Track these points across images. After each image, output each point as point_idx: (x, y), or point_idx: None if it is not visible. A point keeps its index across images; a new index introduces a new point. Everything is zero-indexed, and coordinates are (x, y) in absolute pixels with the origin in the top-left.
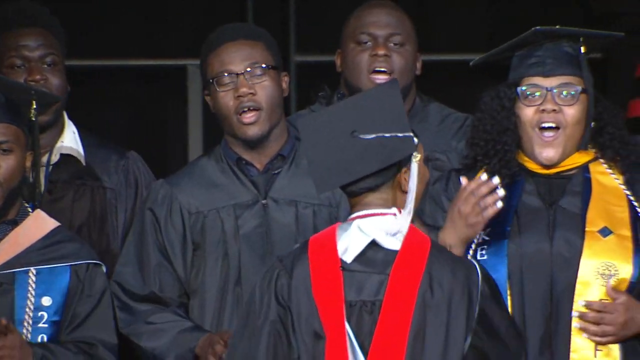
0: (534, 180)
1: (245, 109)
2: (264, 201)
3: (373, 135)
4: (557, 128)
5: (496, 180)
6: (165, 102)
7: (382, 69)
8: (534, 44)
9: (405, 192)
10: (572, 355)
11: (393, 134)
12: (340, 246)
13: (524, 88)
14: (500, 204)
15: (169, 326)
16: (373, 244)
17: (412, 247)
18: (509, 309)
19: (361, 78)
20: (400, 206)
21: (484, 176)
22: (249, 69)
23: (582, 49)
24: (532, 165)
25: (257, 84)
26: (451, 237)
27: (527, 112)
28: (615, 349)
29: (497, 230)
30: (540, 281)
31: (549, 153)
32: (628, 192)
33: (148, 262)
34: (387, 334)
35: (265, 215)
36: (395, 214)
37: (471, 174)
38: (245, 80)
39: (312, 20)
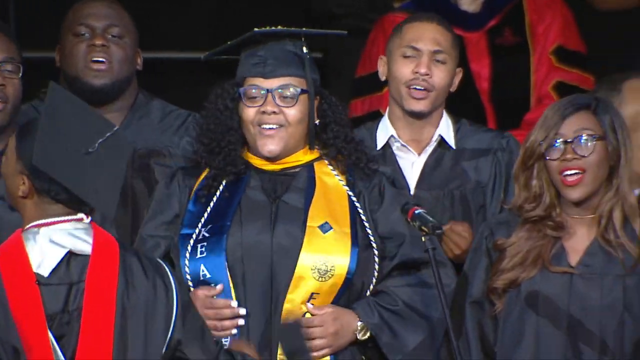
0: (259, 176)
1: None
2: None
3: (96, 145)
4: (278, 126)
5: (242, 311)
6: None
7: (100, 59)
8: (258, 43)
9: None
10: None
11: (108, 134)
12: (34, 259)
13: (245, 89)
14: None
15: None
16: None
17: (102, 251)
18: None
19: (79, 69)
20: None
21: (234, 303)
22: (3, 62)
23: (304, 49)
24: (257, 162)
25: (7, 79)
26: None
27: (249, 113)
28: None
29: (217, 226)
30: (260, 273)
31: (270, 146)
32: (350, 193)
33: None
34: (91, 342)
35: None
36: (82, 218)
37: (198, 170)
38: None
39: (32, 16)
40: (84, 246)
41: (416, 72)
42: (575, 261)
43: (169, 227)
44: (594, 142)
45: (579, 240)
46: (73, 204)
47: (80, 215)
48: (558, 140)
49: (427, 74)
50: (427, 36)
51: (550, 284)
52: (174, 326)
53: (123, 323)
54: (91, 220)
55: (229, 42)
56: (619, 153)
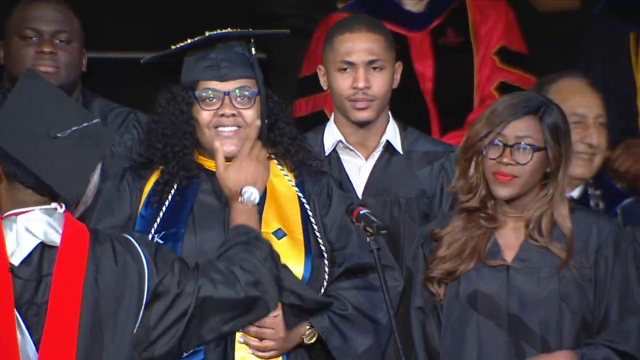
0: (210, 179)
1: None
2: None
3: (68, 131)
4: (237, 128)
5: None
6: None
7: (48, 66)
8: (206, 46)
9: None
10: None
11: (85, 124)
12: (9, 247)
13: (200, 92)
14: None
15: None
16: (41, 243)
17: (71, 241)
18: None
19: None
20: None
21: None
22: None
23: (253, 51)
24: (209, 164)
25: None
26: None
27: (205, 116)
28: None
29: (170, 232)
30: None
31: (229, 147)
32: (300, 194)
33: None
34: (55, 333)
35: None
36: (56, 208)
37: (147, 171)
38: None
39: None
40: (56, 237)
41: (355, 87)
42: (511, 257)
43: (121, 231)
44: (532, 152)
45: (511, 237)
46: (42, 190)
47: (54, 204)
48: (498, 141)
49: (367, 87)
50: (358, 48)
51: (488, 280)
52: (146, 304)
53: (94, 314)
54: (65, 210)
55: (178, 45)
56: (559, 161)
